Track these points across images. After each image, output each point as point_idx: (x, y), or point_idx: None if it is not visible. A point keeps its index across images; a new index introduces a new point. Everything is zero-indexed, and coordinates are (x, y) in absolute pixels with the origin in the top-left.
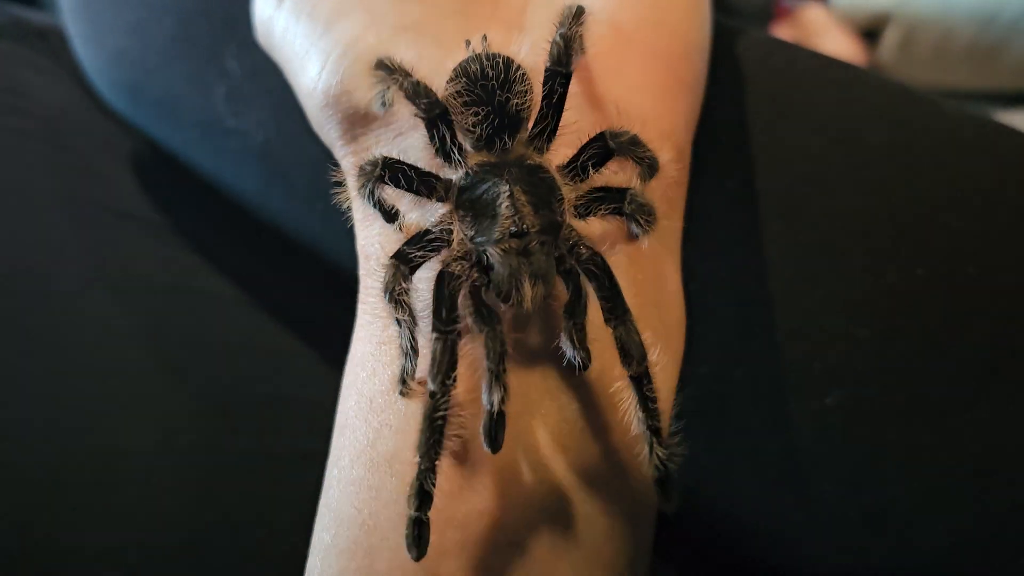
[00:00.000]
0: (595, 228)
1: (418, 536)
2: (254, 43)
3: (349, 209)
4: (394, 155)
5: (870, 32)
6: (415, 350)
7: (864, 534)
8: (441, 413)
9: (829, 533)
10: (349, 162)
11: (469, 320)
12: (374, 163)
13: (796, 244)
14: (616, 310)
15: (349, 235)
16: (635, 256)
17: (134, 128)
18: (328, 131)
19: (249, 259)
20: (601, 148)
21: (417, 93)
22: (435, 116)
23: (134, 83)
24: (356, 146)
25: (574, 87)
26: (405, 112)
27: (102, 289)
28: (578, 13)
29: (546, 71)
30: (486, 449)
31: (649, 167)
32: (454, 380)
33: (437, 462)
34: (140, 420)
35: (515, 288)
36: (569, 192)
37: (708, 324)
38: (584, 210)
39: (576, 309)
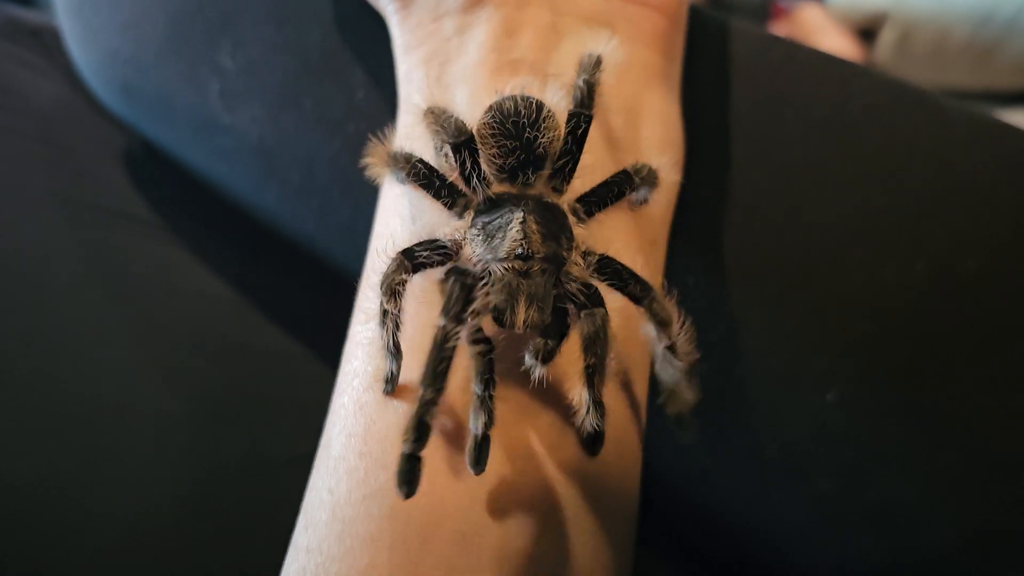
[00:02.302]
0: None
1: (409, 472)
2: (248, 40)
3: (379, 176)
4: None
5: (867, 31)
6: (397, 351)
7: (865, 532)
8: (452, 344)
9: (830, 531)
10: (396, 20)
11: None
12: (407, 158)
13: (794, 239)
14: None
15: (343, 233)
16: (639, 90)
17: (128, 126)
18: None
19: (243, 258)
20: (624, 182)
21: (449, 127)
22: (460, 142)
23: (128, 81)
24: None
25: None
26: None
27: (95, 288)
28: (598, 62)
29: (570, 113)
30: (471, 471)
31: (655, 181)
32: (468, 314)
33: (441, 397)
34: (134, 421)
35: (511, 308)
36: (581, 236)
37: (706, 320)
38: (591, 267)
39: (552, 332)
